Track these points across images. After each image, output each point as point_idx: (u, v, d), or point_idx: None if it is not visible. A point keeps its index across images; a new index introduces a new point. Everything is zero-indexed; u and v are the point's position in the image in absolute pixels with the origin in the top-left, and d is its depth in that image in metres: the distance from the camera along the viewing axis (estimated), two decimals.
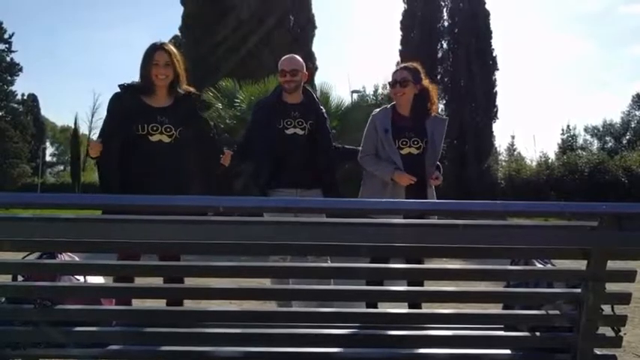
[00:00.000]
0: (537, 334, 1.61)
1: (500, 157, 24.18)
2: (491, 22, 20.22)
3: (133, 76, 2.81)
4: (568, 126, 31.37)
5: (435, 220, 2.17)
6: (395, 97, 3.19)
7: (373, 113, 3.26)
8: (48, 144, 48.72)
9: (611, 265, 1.45)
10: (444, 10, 20.89)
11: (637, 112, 33.53)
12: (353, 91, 17.48)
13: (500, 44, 47.10)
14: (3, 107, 35.80)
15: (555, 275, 1.65)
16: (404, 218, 2.02)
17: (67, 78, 76.30)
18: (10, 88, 36.58)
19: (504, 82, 30.65)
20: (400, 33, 20.87)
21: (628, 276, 1.47)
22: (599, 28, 63.82)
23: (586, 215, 1.45)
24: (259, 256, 2.54)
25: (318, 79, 16.55)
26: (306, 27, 19.55)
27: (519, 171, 19.28)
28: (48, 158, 48.03)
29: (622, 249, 1.46)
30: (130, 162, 2.66)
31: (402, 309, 1.74)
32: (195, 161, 2.77)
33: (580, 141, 31.48)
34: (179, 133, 2.73)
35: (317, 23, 20.11)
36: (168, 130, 2.70)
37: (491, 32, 20.15)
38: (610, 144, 31.67)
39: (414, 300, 2.41)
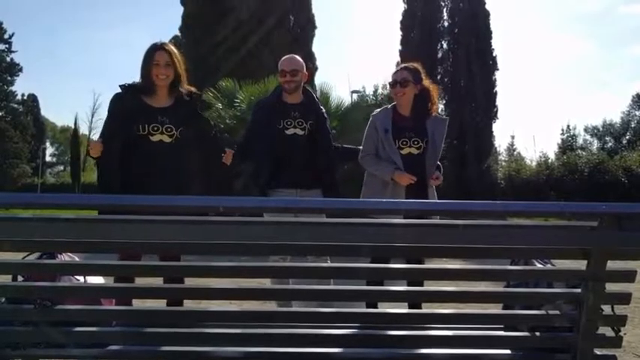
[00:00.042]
0: (537, 334, 1.60)
1: (500, 157, 24.20)
2: (491, 22, 20.25)
3: (133, 76, 2.81)
4: (568, 126, 31.37)
5: (435, 220, 2.17)
6: (395, 98, 3.19)
7: (373, 113, 3.26)
8: (48, 144, 48.76)
9: (611, 265, 1.45)
10: (444, 10, 20.90)
11: (637, 112, 33.51)
12: (353, 92, 17.50)
13: (500, 44, 47.16)
14: (3, 107, 35.79)
15: (555, 275, 1.65)
16: (404, 218, 2.02)
17: (67, 78, 76.43)
18: (10, 88, 36.59)
19: (504, 82, 30.77)
20: (400, 33, 20.89)
21: (628, 276, 1.47)
22: (599, 28, 63.91)
23: (586, 215, 1.45)
24: (259, 256, 2.54)
25: (318, 79, 16.57)
26: (306, 27, 19.56)
27: (519, 171, 19.28)
28: (48, 158, 48.07)
29: (622, 249, 1.46)
30: (130, 162, 2.66)
31: (402, 309, 1.74)
32: (197, 161, 2.77)
33: (580, 141, 31.49)
34: (180, 133, 2.73)
35: (317, 23, 20.15)
36: (169, 130, 2.71)
37: (491, 32, 20.16)
38: (610, 144, 31.64)
39: (414, 300, 2.41)
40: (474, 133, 19.14)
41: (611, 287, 1.49)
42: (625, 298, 1.49)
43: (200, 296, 1.95)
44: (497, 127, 36.69)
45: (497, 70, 20.22)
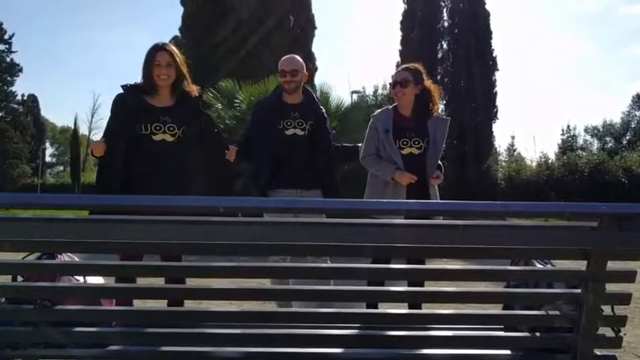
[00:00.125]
0: (537, 334, 1.60)
1: (500, 158, 24.16)
2: (491, 22, 20.21)
3: (134, 76, 2.82)
4: (568, 126, 31.32)
5: (435, 221, 2.17)
6: (396, 98, 3.20)
7: (374, 114, 3.28)
8: (48, 144, 48.76)
9: (611, 265, 1.45)
10: (444, 10, 20.87)
11: (637, 113, 33.48)
12: (353, 92, 17.51)
13: (500, 44, 47.08)
14: (3, 108, 35.78)
15: (555, 275, 1.65)
16: (405, 218, 2.02)
17: (67, 78, 76.47)
18: (10, 88, 36.56)
19: (504, 82, 30.64)
20: (400, 33, 20.86)
21: (628, 276, 1.47)
22: (599, 28, 63.95)
23: (586, 215, 1.45)
24: (259, 256, 2.54)
25: (318, 80, 16.60)
26: (306, 27, 19.58)
27: (519, 171, 19.27)
28: (48, 159, 48.07)
29: (622, 249, 1.46)
30: (132, 162, 2.67)
31: (402, 309, 1.74)
32: (200, 159, 2.78)
33: (580, 141, 31.46)
34: (182, 132, 2.74)
35: (317, 23, 20.19)
36: (171, 129, 2.72)
37: (491, 32, 20.14)
38: (610, 144, 31.63)
39: (414, 300, 2.41)
40: (474, 134, 19.12)
41: (611, 287, 1.49)
42: (625, 299, 1.49)
43: (200, 296, 1.95)
44: (497, 127, 36.68)
45: (497, 70, 20.21)
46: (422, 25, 20.20)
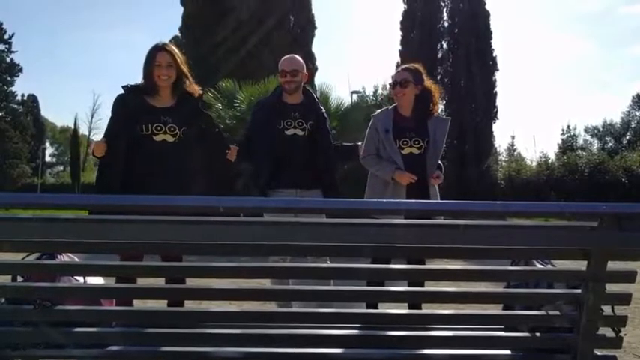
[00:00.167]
0: (537, 334, 1.60)
1: (500, 158, 24.16)
2: (491, 22, 20.20)
3: (134, 76, 2.83)
4: (568, 126, 31.34)
5: (435, 221, 2.17)
6: (396, 98, 3.21)
7: (374, 114, 3.28)
8: (48, 144, 48.75)
9: (611, 265, 1.45)
10: (444, 10, 20.87)
11: (637, 113, 33.48)
12: (353, 92, 17.52)
13: (500, 44, 47.01)
14: (3, 108, 35.77)
15: (555, 275, 1.65)
16: (405, 218, 2.02)
17: (67, 78, 76.43)
18: (10, 88, 36.56)
19: (504, 82, 30.53)
20: (400, 33, 20.86)
21: (628, 276, 1.47)
22: (599, 28, 63.94)
23: (586, 216, 1.45)
24: (259, 256, 2.54)
25: (318, 80, 16.60)
26: (306, 27, 19.58)
27: (519, 171, 19.27)
28: (48, 159, 48.06)
29: (622, 249, 1.46)
30: (133, 162, 2.67)
31: (402, 309, 1.74)
32: (201, 159, 2.78)
33: (580, 141, 31.48)
34: (183, 132, 2.74)
35: (317, 23, 20.18)
36: (172, 129, 2.72)
37: (491, 32, 20.13)
38: (610, 144, 31.63)
39: (414, 300, 2.41)
40: (474, 134, 19.12)
41: (611, 288, 1.49)
42: (625, 299, 1.49)
43: (200, 296, 1.95)
44: (497, 128, 36.69)
45: (497, 70, 20.20)
46: (422, 25, 20.19)
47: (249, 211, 1.52)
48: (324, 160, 3.29)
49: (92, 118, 43.57)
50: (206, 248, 1.52)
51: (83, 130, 41.01)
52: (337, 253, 1.52)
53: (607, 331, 1.54)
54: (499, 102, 20.20)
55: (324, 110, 3.43)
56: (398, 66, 3.56)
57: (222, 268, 1.57)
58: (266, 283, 2.84)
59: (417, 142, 3.10)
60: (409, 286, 2.23)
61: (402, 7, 20.95)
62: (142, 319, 1.67)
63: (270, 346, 1.60)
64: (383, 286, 2.19)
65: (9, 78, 36.18)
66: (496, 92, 20.12)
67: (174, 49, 2.81)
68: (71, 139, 34.78)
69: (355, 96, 16.72)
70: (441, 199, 3.13)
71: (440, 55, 20.72)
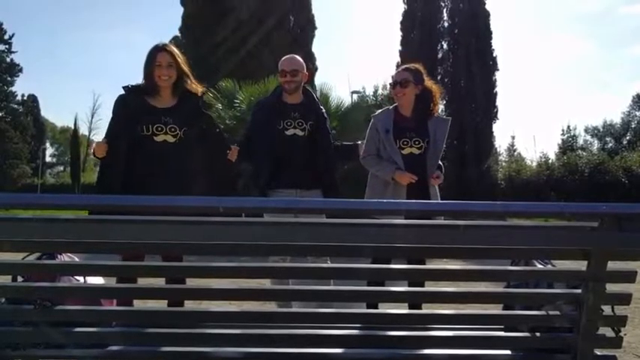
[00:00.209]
0: (537, 334, 1.60)
1: (501, 158, 24.16)
2: (491, 22, 20.21)
3: (134, 76, 2.84)
4: (568, 126, 31.33)
5: (435, 221, 2.17)
6: (396, 98, 3.21)
7: (374, 114, 3.28)
8: (48, 145, 48.75)
9: (612, 265, 1.45)
10: (444, 10, 20.87)
11: (637, 113, 33.45)
12: (353, 92, 17.52)
13: (500, 44, 47.00)
14: (3, 108, 35.80)
15: (555, 276, 1.65)
16: (405, 218, 2.02)
17: (67, 79, 76.42)
18: (10, 88, 36.60)
19: (504, 82, 30.53)
20: (400, 33, 20.86)
21: (628, 276, 1.47)
22: (599, 28, 63.94)
23: (586, 216, 1.45)
24: (259, 256, 2.54)
25: (318, 80, 16.61)
26: (306, 27, 19.57)
27: (519, 171, 19.27)
28: (48, 159, 48.05)
29: (622, 249, 1.46)
30: (134, 162, 2.68)
31: (402, 309, 1.74)
32: (202, 160, 2.78)
33: (580, 141, 31.47)
34: (183, 133, 2.74)
35: (317, 23, 20.18)
36: (172, 130, 2.72)
37: (491, 32, 20.13)
38: (610, 144, 31.62)
39: (414, 300, 2.41)
40: (474, 134, 19.11)
41: (611, 288, 1.49)
42: (625, 299, 1.49)
43: (200, 296, 1.95)
44: (497, 128, 36.66)
45: (498, 70, 20.20)
46: (422, 26, 20.19)
47: (249, 211, 1.52)
48: (324, 160, 3.29)
49: (92, 118, 43.63)
50: (206, 248, 1.52)
51: (83, 130, 41.07)
52: (337, 254, 1.52)
53: (607, 331, 1.53)
54: (499, 102, 20.23)
55: (324, 110, 3.43)
56: (398, 66, 3.56)
57: (222, 268, 1.57)
58: (266, 284, 2.84)
59: (417, 142, 3.10)
60: (409, 286, 2.23)
61: (402, 8, 20.98)
62: (142, 319, 1.67)
63: (270, 347, 1.60)
64: (383, 286, 2.19)
65: (9, 78, 36.21)
66: (496, 92, 20.13)
67: (175, 49, 2.81)
68: (71, 139, 34.77)
69: (355, 96, 16.75)
70: (441, 199, 3.13)
71: (440, 55, 20.72)
